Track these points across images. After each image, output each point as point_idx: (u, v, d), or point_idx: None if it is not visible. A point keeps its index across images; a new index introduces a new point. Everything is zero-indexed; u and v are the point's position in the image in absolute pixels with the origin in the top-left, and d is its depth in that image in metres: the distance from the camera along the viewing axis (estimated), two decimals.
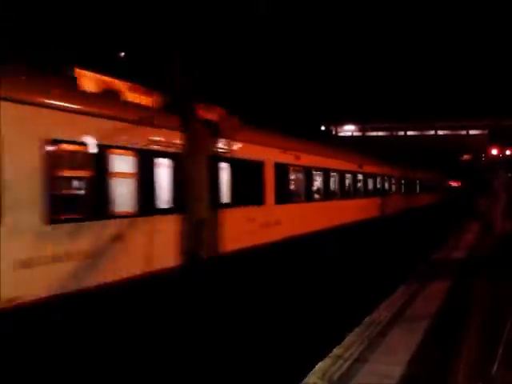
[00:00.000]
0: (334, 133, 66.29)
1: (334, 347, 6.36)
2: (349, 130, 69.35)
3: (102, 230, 6.75)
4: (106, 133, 6.88)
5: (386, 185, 22.60)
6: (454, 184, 56.27)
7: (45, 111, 6.10)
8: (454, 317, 7.78)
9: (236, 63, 31.36)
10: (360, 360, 5.91)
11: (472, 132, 67.15)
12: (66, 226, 6.25)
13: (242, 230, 9.98)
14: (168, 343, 7.28)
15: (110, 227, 6.88)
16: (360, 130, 69.23)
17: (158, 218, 7.79)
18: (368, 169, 19.39)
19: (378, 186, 21.06)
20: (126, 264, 7.08)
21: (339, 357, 6.02)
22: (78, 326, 6.25)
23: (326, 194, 14.91)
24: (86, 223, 6.54)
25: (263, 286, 10.02)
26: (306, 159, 13.42)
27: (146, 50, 24.88)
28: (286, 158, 12.25)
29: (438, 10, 68.80)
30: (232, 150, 9.89)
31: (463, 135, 67.35)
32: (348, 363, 5.81)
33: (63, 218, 6.23)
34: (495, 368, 5.47)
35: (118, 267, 6.93)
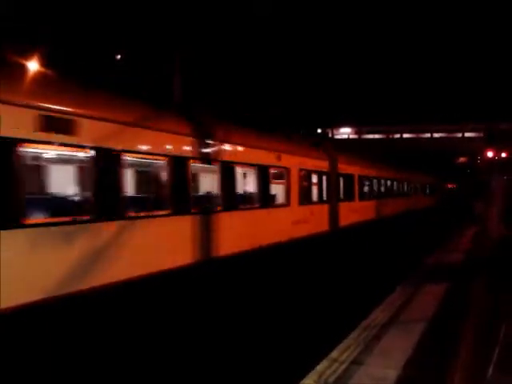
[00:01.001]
0: (330, 135, 66.29)
1: (330, 350, 6.37)
2: (345, 132, 69.41)
3: (311, 209, 13.49)
4: (310, 164, 13.64)
5: (405, 188, 28.67)
6: (450, 186, 56.54)
7: (295, 158, 12.67)
8: (451, 319, 7.80)
9: (232, 64, 31.38)
10: (356, 363, 5.91)
11: (468, 134, 67.32)
12: (304, 206, 12.95)
13: (346, 214, 16.58)
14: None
15: (313, 207, 13.68)
16: (356, 133, 69.31)
17: (323, 205, 14.60)
18: (400, 176, 26.81)
19: (401, 188, 27.45)
20: (314, 225, 13.67)
21: (335, 360, 6.02)
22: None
23: (378, 194, 21.82)
24: (308, 205, 13.24)
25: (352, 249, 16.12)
26: (373, 172, 20.88)
27: (143, 52, 24.88)
28: (363, 172, 19.21)
29: (434, 13, 69.12)
30: (342, 169, 16.38)
31: (459, 138, 67.51)
32: (344, 366, 5.81)
33: (303, 202, 12.85)
34: (490, 371, 5.48)
35: (313, 227, 13.43)
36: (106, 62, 23.31)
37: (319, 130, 58.74)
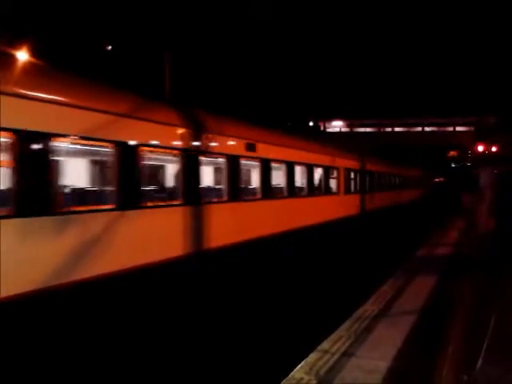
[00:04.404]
0: (322, 128, 66.21)
1: (321, 341, 6.39)
2: (337, 125, 69.38)
3: (350, 198, 17.86)
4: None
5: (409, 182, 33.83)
6: (439, 180, 56.97)
7: (341, 159, 17.04)
8: (440, 312, 7.85)
9: (224, 57, 31.22)
10: (347, 354, 5.93)
11: (459, 129, 67.61)
12: (349, 196, 17.82)
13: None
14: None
15: (353, 196, 18.55)
16: (348, 126, 69.37)
17: (355, 195, 18.99)
18: (411, 173, 33.98)
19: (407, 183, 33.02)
20: (348, 209, 17.81)
21: (326, 351, 6.04)
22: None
23: (397, 186, 28.48)
24: (352, 195, 18.46)
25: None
26: (395, 171, 27.77)
27: (133, 43, 24.63)
28: (389, 170, 25.52)
29: (423, 8, 69.15)
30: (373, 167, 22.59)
31: (450, 132, 67.78)
32: (335, 357, 5.83)
33: (347, 192, 17.52)
34: (480, 363, 5.53)
35: (348, 210, 17.61)
36: (96, 52, 23.06)
37: (311, 123, 58.66)
